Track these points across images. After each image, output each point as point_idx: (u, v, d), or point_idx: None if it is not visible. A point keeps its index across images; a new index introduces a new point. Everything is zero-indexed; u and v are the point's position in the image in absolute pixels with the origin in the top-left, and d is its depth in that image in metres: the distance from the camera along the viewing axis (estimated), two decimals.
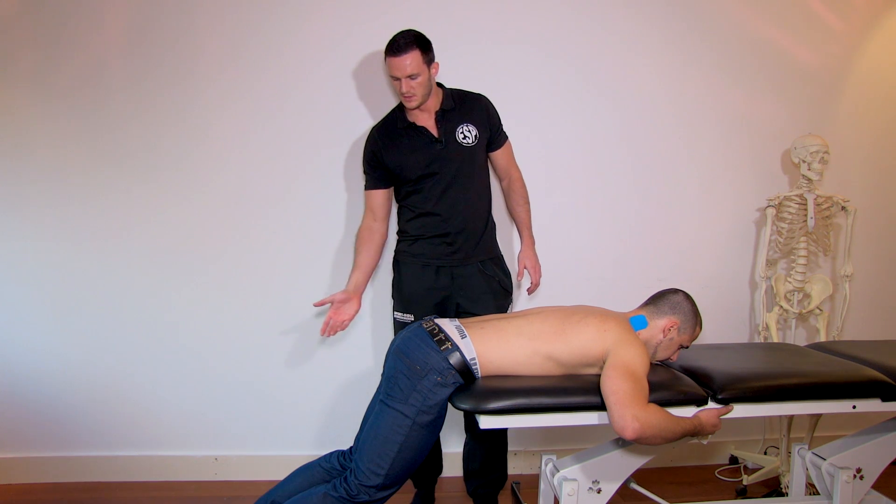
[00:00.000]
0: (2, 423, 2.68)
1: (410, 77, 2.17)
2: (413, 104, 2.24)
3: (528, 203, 2.49)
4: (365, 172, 2.40)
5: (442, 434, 2.79)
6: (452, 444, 2.77)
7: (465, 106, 2.35)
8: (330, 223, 2.71)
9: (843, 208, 2.74)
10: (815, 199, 2.70)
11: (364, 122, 2.67)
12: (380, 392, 1.85)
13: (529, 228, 2.48)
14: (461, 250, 2.31)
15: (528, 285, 2.45)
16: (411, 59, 2.16)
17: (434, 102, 2.30)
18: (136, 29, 2.57)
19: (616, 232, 2.86)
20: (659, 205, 2.87)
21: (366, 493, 1.75)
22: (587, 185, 2.83)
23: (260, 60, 2.63)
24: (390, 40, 2.18)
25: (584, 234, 2.85)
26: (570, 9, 2.74)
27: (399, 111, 2.35)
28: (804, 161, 2.70)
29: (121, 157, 2.62)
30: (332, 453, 1.94)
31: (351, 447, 1.92)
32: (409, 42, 2.16)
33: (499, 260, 2.41)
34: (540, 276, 2.43)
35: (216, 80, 2.62)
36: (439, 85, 2.35)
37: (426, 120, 2.31)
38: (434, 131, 2.30)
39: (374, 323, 2.74)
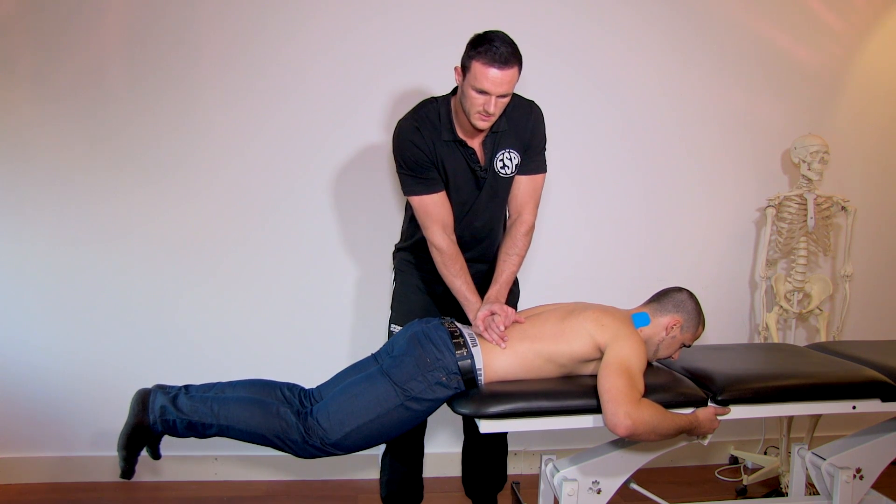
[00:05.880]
0: (2, 423, 2.67)
1: (501, 96, 1.80)
2: (486, 126, 1.87)
3: (521, 260, 2.04)
4: (413, 175, 1.96)
5: (437, 432, 2.79)
6: (451, 444, 2.78)
7: (512, 122, 1.98)
8: (333, 224, 2.71)
9: (843, 208, 2.74)
10: (815, 199, 2.70)
11: (365, 122, 2.67)
12: (367, 363, 1.86)
13: (507, 286, 2.00)
14: (475, 274, 2.06)
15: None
16: (512, 77, 1.78)
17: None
18: (136, 30, 2.57)
19: (615, 232, 2.86)
20: (659, 205, 2.87)
21: (319, 439, 1.72)
22: (587, 185, 2.83)
23: (260, 61, 2.62)
24: (487, 45, 1.76)
25: (584, 234, 2.85)
26: (570, 9, 2.74)
27: (443, 119, 1.95)
28: (804, 161, 2.70)
29: (122, 158, 2.61)
30: (296, 387, 1.86)
31: (311, 389, 1.86)
32: (514, 54, 1.78)
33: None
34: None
35: (217, 81, 2.61)
36: None
37: (474, 140, 1.97)
38: (480, 156, 1.98)
39: (370, 334, 2.74)
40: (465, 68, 1.83)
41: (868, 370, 1.97)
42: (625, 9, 2.76)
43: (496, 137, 1.97)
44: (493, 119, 1.86)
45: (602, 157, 2.82)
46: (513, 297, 2.21)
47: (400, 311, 2.18)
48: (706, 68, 2.84)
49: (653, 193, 2.86)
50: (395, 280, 2.26)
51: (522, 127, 1.99)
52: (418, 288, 2.17)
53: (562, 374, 1.84)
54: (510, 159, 2.00)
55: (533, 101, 2.03)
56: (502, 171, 2.00)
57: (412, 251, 2.18)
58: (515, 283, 2.23)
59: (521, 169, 2.03)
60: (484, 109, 1.81)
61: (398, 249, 2.27)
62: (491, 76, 1.76)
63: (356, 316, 2.76)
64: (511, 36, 1.83)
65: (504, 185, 2.04)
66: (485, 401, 1.71)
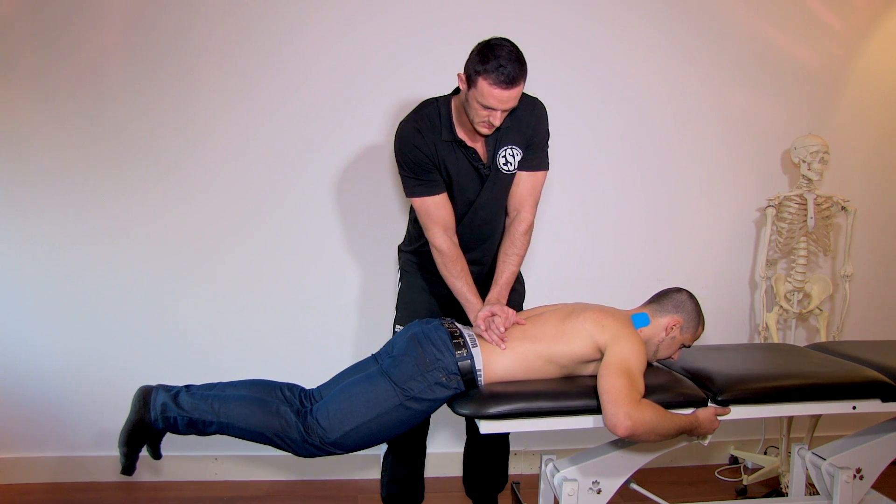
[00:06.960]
0: (2, 423, 2.68)
1: (506, 110, 1.81)
2: (489, 133, 1.89)
3: (521, 260, 2.05)
4: (415, 177, 1.96)
5: (439, 433, 2.79)
6: (452, 444, 2.78)
7: (515, 119, 1.95)
8: (334, 224, 2.71)
9: (843, 208, 2.74)
10: (815, 199, 2.70)
11: (366, 122, 2.67)
12: (367, 364, 1.86)
13: (507, 287, 2.01)
14: (475, 274, 2.06)
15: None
16: (518, 93, 1.78)
17: None
18: (136, 30, 2.57)
19: (616, 232, 2.86)
20: (659, 205, 2.87)
21: (318, 438, 1.72)
22: (587, 186, 2.83)
23: (261, 61, 2.62)
24: (495, 63, 1.73)
25: (584, 234, 2.85)
26: (570, 9, 2.73)
27: (443, 119, 1.94)
28: (804, 161, 2.70)
29: (122, 158, 2.61)
30: (296, 387, 1.86)
31: (311, 390, 1.87)
32: (521, 70, 1.75)
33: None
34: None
35: (217, 81, 2.61)
36: None
37: (475, 141, 1.96)
38: (482, 153, 1.97)
39: (373, 335, 2.75)
40: (470, 80, 1.80)
41: (868, 370, 1.97)
42: (625, 9, 2.76)
43: (498, 134, 1.95)
44: (495, 127, 1.86)
45: (602, 157, 2.82)
46: (518, 296, 2.21)
47: (405, 312, 2.18)
48: (706, 68, 2.84)
49: (653, 193, 2.86)
50: (399, 281, 2.26)
51: (525, 123, 1.97)
52: (423, 289, 2.17)
53: (562, 375, 1.84)
54: (513, 155, 1.98)
55: (537, 98, 2.02)
56: (505, 167, 1.99)
57: (417, 253, 2.18)
58: (521, 282, 2.23)
59: (523, 165, 2.01)
60: (489, 121, 1.82)
61: (403, 251, 2.26)
62: (497, 95, 1.75)
63: (360, 317, 2.76)
64: (511, 36, 1.81)
65: (506, 182, 2.02)
66: (485, 401, 1.71)
